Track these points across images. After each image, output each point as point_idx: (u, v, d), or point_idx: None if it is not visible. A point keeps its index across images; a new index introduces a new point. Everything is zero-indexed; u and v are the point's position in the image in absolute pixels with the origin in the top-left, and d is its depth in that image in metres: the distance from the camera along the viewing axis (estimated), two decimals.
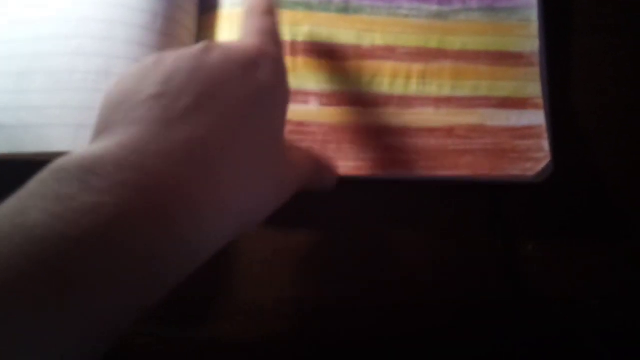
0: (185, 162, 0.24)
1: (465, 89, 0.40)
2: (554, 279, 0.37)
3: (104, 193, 0.21)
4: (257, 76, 0.27)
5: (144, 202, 0.22)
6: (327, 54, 0.40)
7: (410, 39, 0.41)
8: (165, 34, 0.36)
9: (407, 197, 0.39)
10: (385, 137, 0.39)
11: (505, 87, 0.40)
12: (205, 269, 0.34)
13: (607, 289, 0.37)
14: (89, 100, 0.33)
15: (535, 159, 0.38)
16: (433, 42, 0.41)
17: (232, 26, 0.40)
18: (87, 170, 0.22)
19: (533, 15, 0.41)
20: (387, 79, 0.40)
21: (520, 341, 0.36)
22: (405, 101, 0.39)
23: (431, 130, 0.39)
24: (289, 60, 0.39)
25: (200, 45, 0.27)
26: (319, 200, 0.38)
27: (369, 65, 0.40)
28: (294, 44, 0.40)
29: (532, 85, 0.40)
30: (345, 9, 0.41)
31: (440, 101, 0.39)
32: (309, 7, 0.40)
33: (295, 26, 0.40)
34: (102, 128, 0.25)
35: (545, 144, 0.38)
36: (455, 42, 0.41)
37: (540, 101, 0.39)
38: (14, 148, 0.33)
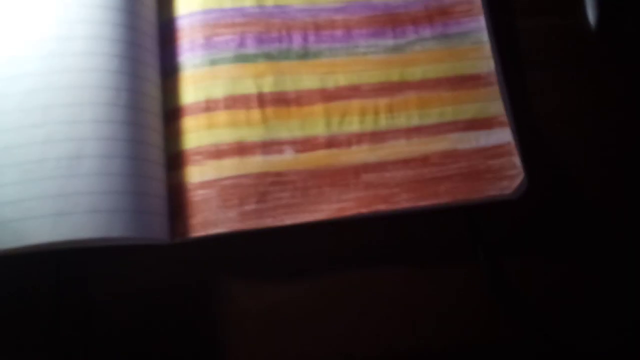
0: None
1: (432, 117, 0.39)
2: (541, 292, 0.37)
3: None
4: None
5: None
6: (294, 101, 0.39)
7: (372, 75, 0.40)
8: (132, 107, 0.34)
9: (393, 230, 0.38)
10: (364, 175, 0.38)
11: (470, 110, 0.39)
12: (200, 325, 0.33)
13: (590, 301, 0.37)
14: (64, 186, 0.31)
15: (510, 176, 0.37)
16: (395, 75, 0.40)
17: (196, 87, 0.38)
18: None
19: (484, 37, 0.41)
20: (356, 117, 0.39)
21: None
22: (378, 136, 0.39)
23: (407, 162, 0.38)
24: (258, 113, 0.38)
25: None
26: (305, 246, 0.37)
27: (337, 106, 0.39)
28: (260, 95, 0.39)
29: (495, 104, 0.40)
30: (305, 55, 0.40)
31: (410, 132, 0.39)
32: (269, 57, 0.39)
33: (260, 78, 0.39)
34: None
35: (517, 160, 0.38)
36: (416, 73, 0.40)
37: (505, 119, 0.39)
38: None
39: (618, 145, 0.40)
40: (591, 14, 0.43)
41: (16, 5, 0.35)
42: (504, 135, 0.39)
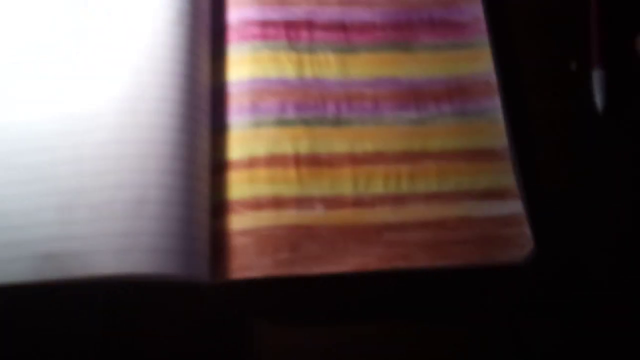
0: None
1: (450, 185, 0.43)
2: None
3: None
4: None
5: None
6: (326, 163, 0.43)
7: (396, 144, 0.44)
8: (188, 160, 0.39)
9: (411, 287, 0.41)
10: (386, 233, 0.41)
11: (484, 181, 0.43)
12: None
13: None
14: (128, 227, 0.35)
15: (520, 245, 0.41)
16: (416, 145, 0.44)
17: (241, 145, 0.43)
18: None
19: (499, 115, 0.46)
20: (381, 180, 0.43)
21: None
22: (399, 199, 0.43)
23: (425, 224, 0.42)
24: (294, 172, 0.42)
25: None
26: (324, 296, 0.41)
27: (364, 170, 0.43)
28: (297, 156, 0.43)
29: (507, 177, 0.43)
30: (337, 122, 0.44)
31: (429, 197, 0.43)
32: (306, 123, 0.44)
33: (297, 141, 0.43)
34: None
35: (527, 230, 0.41)
36: (436, 144, 0.44)
37: (516, 191, 0.43)
38: (62, 274, 0.35)
39: (621, 221, 0.44)
40: (598, 99, 0.47)
41: (96, 68, 0.41)
42: (515, 207, 0.42)
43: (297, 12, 0.48)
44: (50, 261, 0.35)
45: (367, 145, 0.44)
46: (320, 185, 0.42)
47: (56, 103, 0.40)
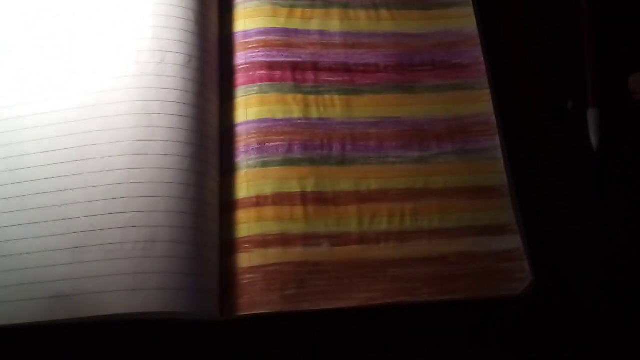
0: None
1: (452, 221, 0.43)
2: None
3: None
4: None
5: None
6: (332, 201, 0.43)
7: (400, 182, 0.44)
8: (197, 200, 0.38)
9: (415, 319, 0.41)
10: (390, 269, 0.41)
11: (485, 217, 0.43)
12: None
13: None
14: (138, 266, 0.35)
15: (519, 278, 0.40)
16: (419, 183, 0.44)
17: (249, 185, 0.42)
18: None
19: (498, 154, 0.45)
20: (385, 218, 0.42)
21: None
22: (403, 236, 0.42)
23: (428, 260, 0.41)
24: (300, 209, 0.42)
25: None
26: (337, 329, 0.40)
27: (369, 207, 0.43)
28: (303, 195, 0.42)
29: (507, 214, 0.43)
30: (342, 162, 0.44)
31: (432, 233, 0.42)
32: (312, 162, 0.44)
33: (303, 179, 0.43)
34: None
35: (526, 264, 0.41)
36: (438, 182, 0.44)
37: (515, 227, 0.42)
38: (73, 314, 0.34)
39: (616, 255, 0.43)
40: (593, 137, 0.47)
41: (105, 111, 0.40)
42: (515, 242, 0.42)
43: (303, 55, 0.47)
44: (62, 301, 0.34)
45: (371, 183, 0.44)
46: (326, 223, 0.42)
47: (67, 146, 0.39)
